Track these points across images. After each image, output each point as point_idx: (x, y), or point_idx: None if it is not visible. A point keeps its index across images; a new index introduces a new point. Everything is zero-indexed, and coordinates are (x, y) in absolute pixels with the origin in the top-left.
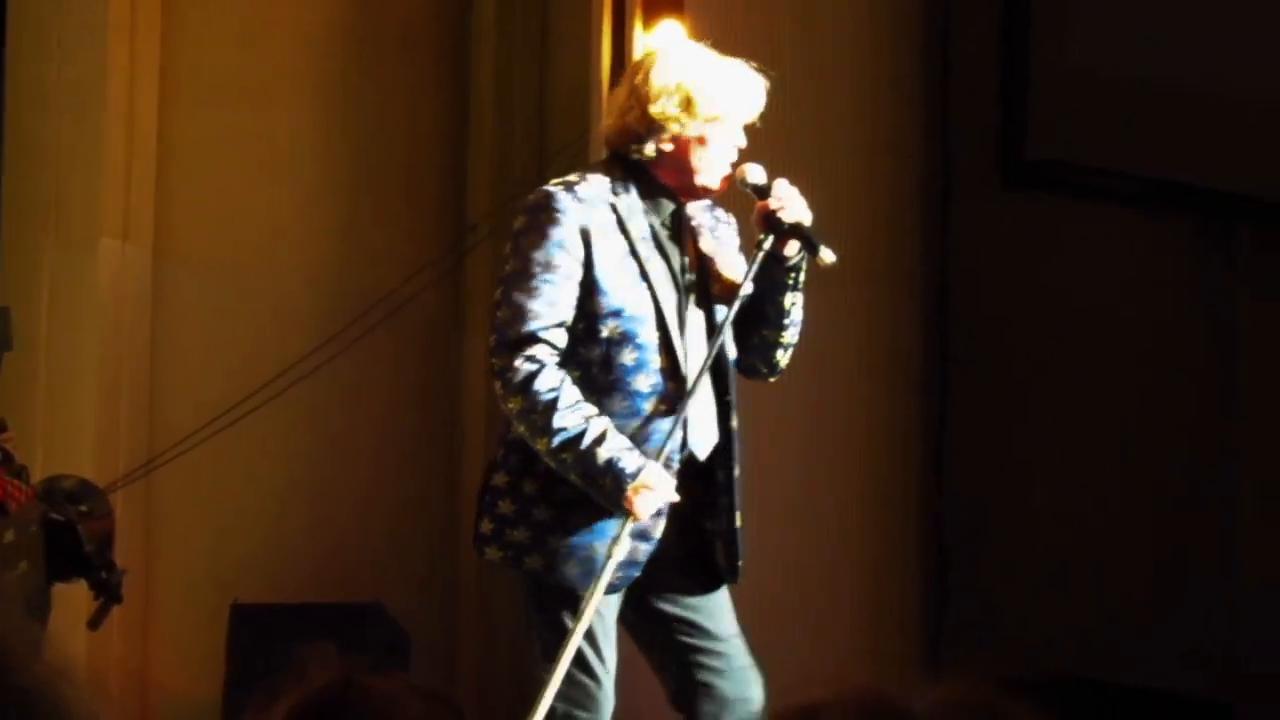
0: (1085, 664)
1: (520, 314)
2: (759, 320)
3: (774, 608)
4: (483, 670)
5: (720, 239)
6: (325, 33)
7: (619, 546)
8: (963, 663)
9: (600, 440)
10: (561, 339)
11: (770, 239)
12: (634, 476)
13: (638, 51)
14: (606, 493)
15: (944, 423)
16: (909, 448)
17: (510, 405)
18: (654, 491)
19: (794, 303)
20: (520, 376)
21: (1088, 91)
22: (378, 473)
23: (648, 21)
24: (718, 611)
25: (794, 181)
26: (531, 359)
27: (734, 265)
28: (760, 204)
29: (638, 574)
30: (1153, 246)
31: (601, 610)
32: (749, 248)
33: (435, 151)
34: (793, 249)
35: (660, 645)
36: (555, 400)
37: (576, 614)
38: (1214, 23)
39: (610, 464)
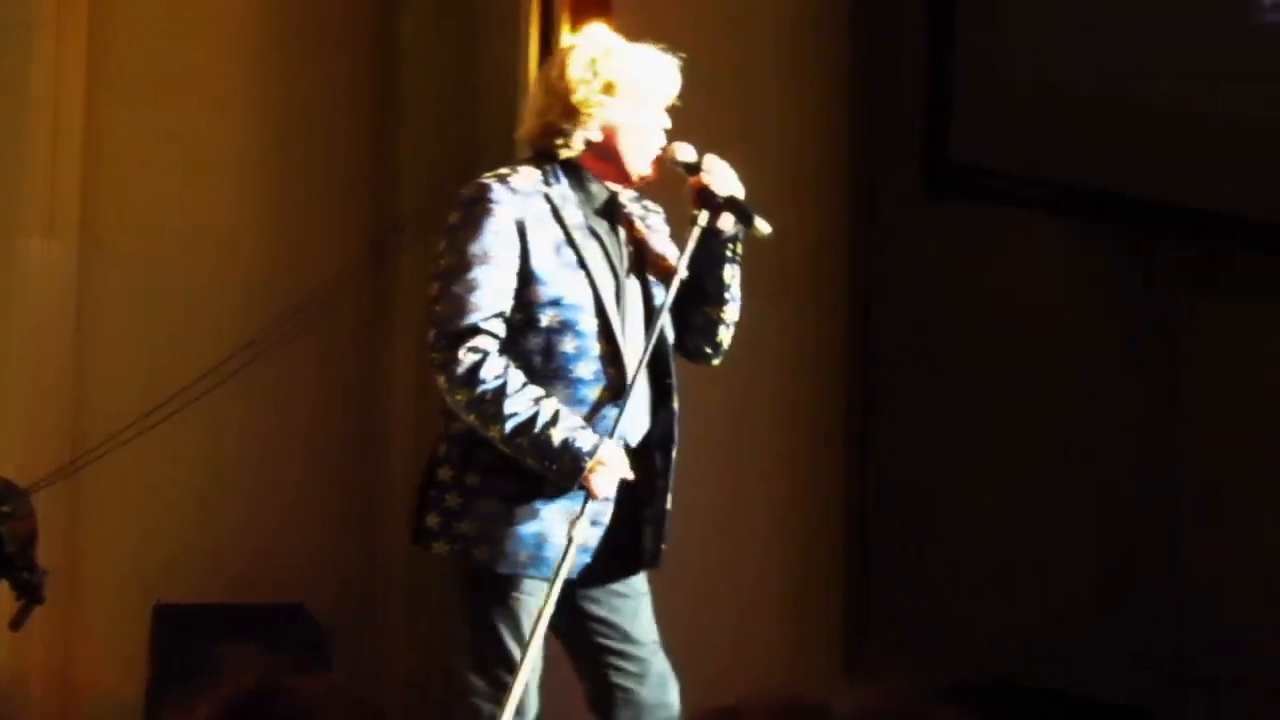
0: (1013, 668)
1: (460, 307)
2: (700, 299)
3: (700, 607)
4: (410, 670)
5: (651, 227)
6: (253, 29)
7: (578, 528)
8: (886, 662)
9: (553, 421)
10: (501, 329)
11: (705, 214)
12: (591, 454)
13: None
14: (564, 473)
15: (866, 424)
16: (834, 450)
17: (458, 397)
18: (610, 468)
19: (733, 276)
20: (464, 368)
21: (1013, 97)
22: (303, 473)
23: (575, 22)
24: (639, 616)
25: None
26: (474, 350)
27: (667, 250)
28: (692, 180)
29: (589, 559)
30: (1075, 251)
31: (533, 608)
32: (679, 235)
33: (363, 150)
34: (728, 222)
35: (581, 647)
36: (503, 386)
37: (517, 607)
38: (1139, 31)
39: (566, 444)
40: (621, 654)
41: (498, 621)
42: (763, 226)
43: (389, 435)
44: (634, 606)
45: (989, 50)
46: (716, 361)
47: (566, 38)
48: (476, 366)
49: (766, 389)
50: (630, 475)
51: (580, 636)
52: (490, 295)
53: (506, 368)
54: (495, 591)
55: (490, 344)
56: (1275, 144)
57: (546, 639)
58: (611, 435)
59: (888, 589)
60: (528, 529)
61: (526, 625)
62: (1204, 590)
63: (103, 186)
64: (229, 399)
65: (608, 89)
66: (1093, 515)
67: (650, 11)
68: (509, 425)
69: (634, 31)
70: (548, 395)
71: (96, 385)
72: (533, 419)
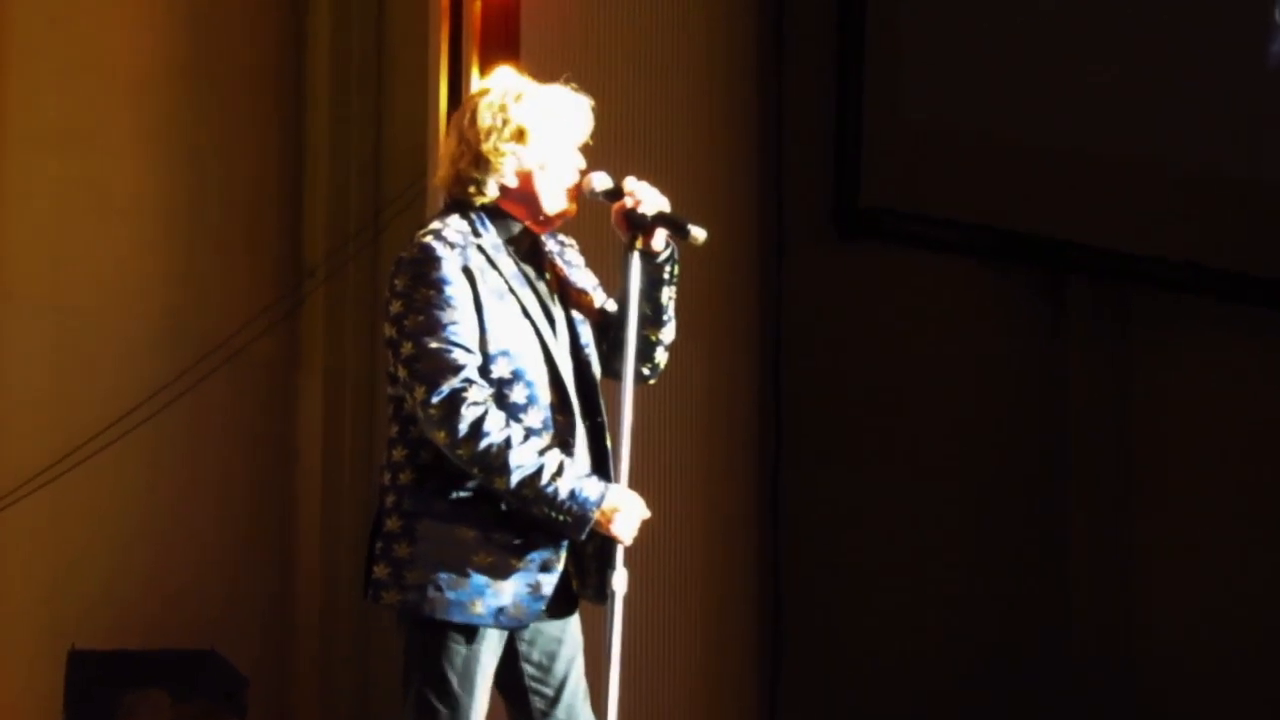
0: (923, 710)
1: (446, 364)
2: (640, 322)
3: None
4: (321, 712)
5: (570, 262)
6: (161, 79)
7: (617, 580)
8: (800, 711)
9: (559, 473)
10: (480, 376)
11: (638, 237)
12: (598, 504)
13: None
14: (573, 524)
15: (778, 471)
16: (748, 494)
17: (460, 453)
18: (625, 512)
19: (670, 298)
20: (468, 424)
21: (920, 142)
22: (216, 518)
23: (484, 68)
24: (573, 666)
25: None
26: (474, 405)
27: (586, 282)
28: (616, 206)
29: (543, 607)
30: (984, 293)
31: (484, 657)
32: (597, 265)
33: (272, 197)
34: (660, 241)
35: (513, 689)
36: (508, 440)
37: (466, 655)
38: (1042, 77)
39: (573, 494)
40: (552, 700)
41: (447, 670)
42: (698, 234)
43: (300, 480)
44: (569, 655)
45: (896, 97)
46: (653, 381)
47: (476, 83)
48: (479, 422)
49: (682, 441)
50: (648, 514)
51: (513, 680)
52: (467, 346)
53: (508, 421)
54: (444, 640)
55: (485, 395)
56: (1181, 185)
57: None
58: (615, 479)
59: (802, 634)
60: (479, 578)
61: (475, 674)
62: (1113, 635)
63: (11, 235)
64: (141, 446)
65: (518, 135)
66: (1008, 556)
67: (559, 59)
68: (514, 479)
69: (542, 78)
70: (550, 447)
71: (6, 433)
72: (538, 472)
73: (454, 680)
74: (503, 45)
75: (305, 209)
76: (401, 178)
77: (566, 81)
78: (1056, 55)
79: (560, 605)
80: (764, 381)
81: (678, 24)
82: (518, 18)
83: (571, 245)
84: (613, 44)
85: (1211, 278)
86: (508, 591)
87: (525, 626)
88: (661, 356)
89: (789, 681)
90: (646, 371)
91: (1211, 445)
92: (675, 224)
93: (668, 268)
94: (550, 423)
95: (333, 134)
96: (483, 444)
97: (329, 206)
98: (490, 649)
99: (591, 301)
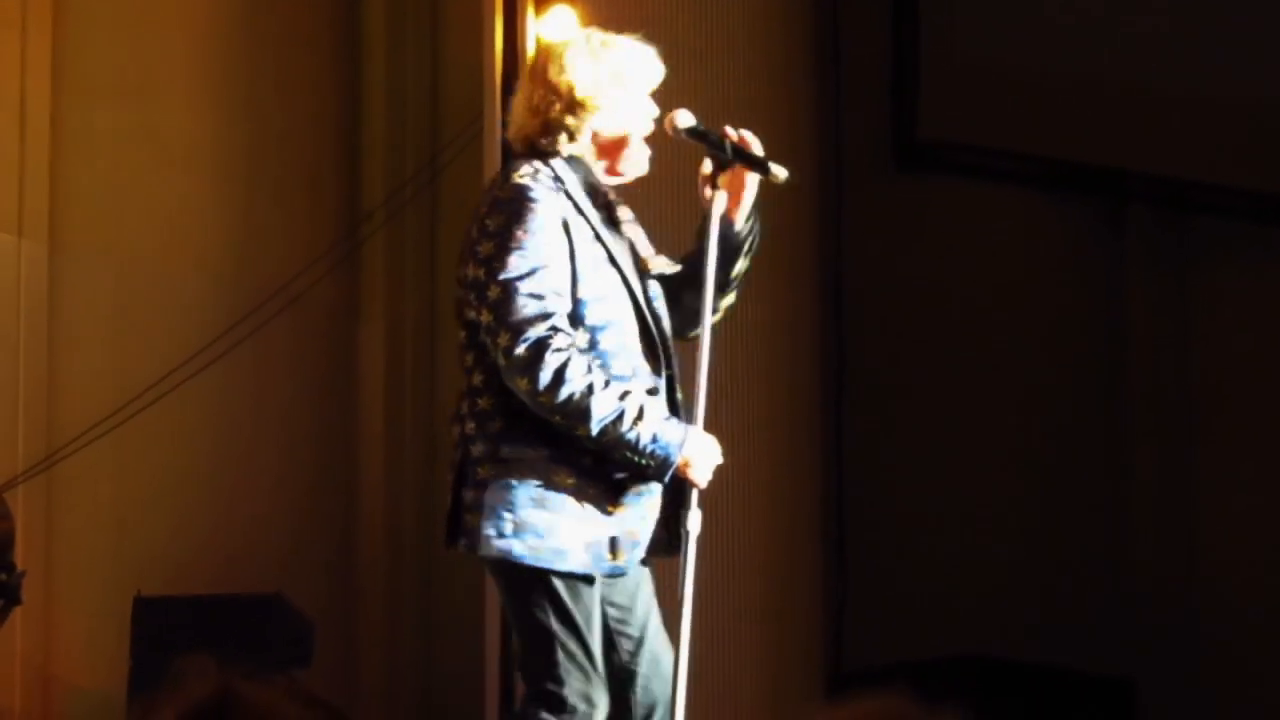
0: (987, 644)
1: (534, 309)
2: (699, 285)
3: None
4: (386, 657)
5: (622, 218)
6: (218, 25)
7: (691, 521)
8: (865, 646)
9: (640, 417)
10: (568, 324)
11: (720, 194)
12: (680, 447)
13: (530, 39)
14: (656, 467)
15: (840, 405)
16: (811, 430)
17: (542, 399)
18: (703, 457)
19: (742, 270)
20: (551, 371)
21: (978, 74)
22: (279, 462)
23: (540, 8)
24: (640, 592)
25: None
26: (559, 351)
27: (640, 242)
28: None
29: (641, 553)
30: (1045, 225)
31: (589, 605)
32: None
33: (329, 142)
34: (742, 221)
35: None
36: (590, 386)
37: (566, 602)
38: (1098, 4)
39: (655, 439)
40: (638, 641)
41: (552, 617)
42: (780, 173)
43: (363, 422)
44: (646, 597)
45: (952, 29)
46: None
47: (532, 26)
48: (562, 369)
49: (741, 377)
50: (721, 460)
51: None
52: (557, 292)
53: (590, 367)
54: (546, 588)
55: (569, 343)
56: (1242, 111)
57: None
58: (694, 422)
59: (866, 569)
60: (574, 526)
61: (580, 619)
62: (1180, 562)
63: (71, 184)
64: (203, 391)
65: (614, 80)
66: (1069, 490)
67: None
68: (596, 425)
69: (598, 17)
70: (631, 392)
71: (69, 381)
72: (620, 417)
73: (557, 626)
74: None
75: (363, 154)
76: (457, 122)
77: (623, 23)
78: None
79: (652, 550)
80: (824, 316)
81: None
82: None
83: (621, 203)
84: None
85: (1276, 205)
86: (604, 537)
87: (625, 573)
88: (715, 319)
89: (853, 620)
90: (694, 332)
91: (1276, 375)
92: (755, 161)
93: (749, 240)
94: (639, 370)
95: (388, 79)
96: (564, 392)
97: (385, 151)
98: (590, 592)
99: (645, 262)
